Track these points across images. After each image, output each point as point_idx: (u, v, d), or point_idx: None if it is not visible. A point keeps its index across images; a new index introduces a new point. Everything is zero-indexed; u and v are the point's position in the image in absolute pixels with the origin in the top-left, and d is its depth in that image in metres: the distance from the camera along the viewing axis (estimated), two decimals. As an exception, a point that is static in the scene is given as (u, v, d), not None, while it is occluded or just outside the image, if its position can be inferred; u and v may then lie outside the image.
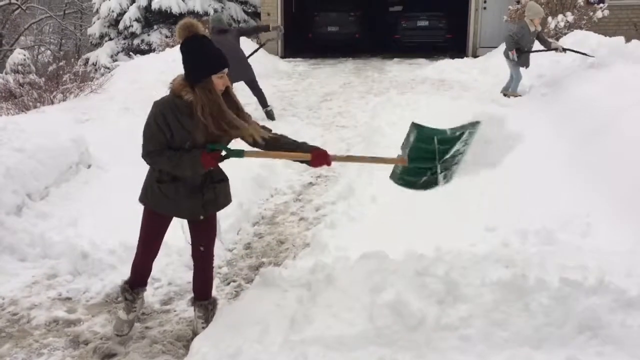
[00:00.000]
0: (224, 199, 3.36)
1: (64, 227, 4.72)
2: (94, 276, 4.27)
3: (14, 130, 5.44)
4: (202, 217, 3.27)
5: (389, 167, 6.01)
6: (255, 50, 8.91)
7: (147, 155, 3.09)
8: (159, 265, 4.29)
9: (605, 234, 4.01)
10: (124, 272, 3.80)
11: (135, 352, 3.45)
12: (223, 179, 3.33)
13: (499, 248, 3.80)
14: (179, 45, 3.03)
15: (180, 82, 2.99)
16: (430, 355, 2.77)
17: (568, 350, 2.70)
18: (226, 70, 2.98)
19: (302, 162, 3.22)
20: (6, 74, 10.18)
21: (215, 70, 2.93)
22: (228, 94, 3.05)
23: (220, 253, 4.58)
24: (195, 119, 2.94)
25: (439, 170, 3.31)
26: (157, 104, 3.04)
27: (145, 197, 3.27)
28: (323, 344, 2.85)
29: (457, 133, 3.25)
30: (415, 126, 3.26)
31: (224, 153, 3.06)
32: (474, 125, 3.24)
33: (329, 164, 3.15)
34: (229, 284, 4.28)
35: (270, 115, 8.25)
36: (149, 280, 4.28)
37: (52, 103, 8.93)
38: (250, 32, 9.17)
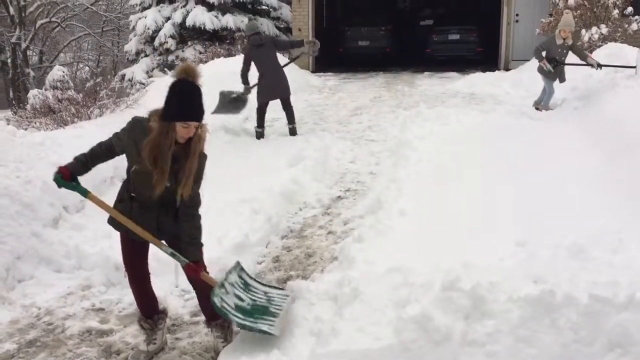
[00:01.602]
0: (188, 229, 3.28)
1: (99, 239, 4.85)
2: (127, 287, 4.32)
3: (51, 145, 5.62)
4: (163, 240, 3.29)
5: (418, 179, 6.02)
6: (287, 64, 9.00)
7: (110, 137, 3.30)
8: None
9: (638, 250, 3.93)
10: (154, 282, 3.86)
11: (166, 362, 3.52)
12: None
13: (528, 263, 3.75)
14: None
15: (156, 112, 3.09)
16: (456, 370, 2.76)
17: (597, 367, 2.65)
18: (193, 123, 3.03)
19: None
20: (45, 90, 10.49)
21: (180, 119, 3.01)
22: (189, 146, 3.10)
23: (249, 265, 4.64)
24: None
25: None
26: (133, 118, 3.22)
27: (110, 219, 3.37)
28: (348, 358, 2.86)
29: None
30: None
31: (73, 183, 3.33)
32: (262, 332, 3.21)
33: (199, 277, 3.28)
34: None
35: (293, 132, 8.34)
36: (179, 292, 4.40)
37: (89, 118, 9.16)
38: (285, 47, 9.25)
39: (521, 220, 4.81)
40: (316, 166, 6.78)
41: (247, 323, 3.20)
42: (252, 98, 8.28)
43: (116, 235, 4.92)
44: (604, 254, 3.97)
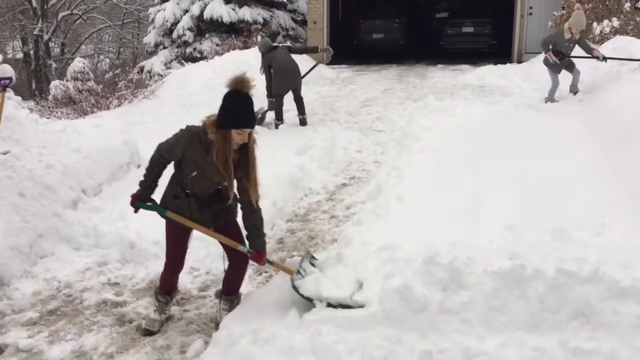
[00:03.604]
0: (232, 213, 3.74)
1: (115, 220, 5.18)
2: (140, 264, 4.71)
3: (72, 133, 5.98)
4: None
5: (418, 168, 6.25)
6: (308, 72, 9.40)
7: (157, 149, 3.58)
8: (198, 256, 4.72)
9: (619, 233, 4.15)
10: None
11: (173, 330, 3.85)
12: (229, 198, 3.64)
13: (511, 244, 4.00)
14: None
15: (211, 122, 3.39)
16: (433, 336, 3.04)
17: (561, 334, 2.91)
18: (248, 130, 3.35)
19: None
20: (67, 81, 10.89)
21: (235, 126, 3.32)
22: (247, 150, 3.43)
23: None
24: (209, 155, 3.36)
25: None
26: (188, 130, 3.48)
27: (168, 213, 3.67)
28: (336, 324, 3.16)
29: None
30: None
31: (149, 203, 3.67)
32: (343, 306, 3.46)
33: (263, 264, 3.75)
34: (261, 274, 4.63)
35: (303, 123, 8.67)
36: (189, 269, 4.72)
37: (108, 108, 9.56)
38: (299, 53, 9.55)
39: (512, 206, 5.04)
40: (323, 155, 7.06)
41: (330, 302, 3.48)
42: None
43: (131, 216, 5.29)
44: (586, 236, 4.19)
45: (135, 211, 3.74)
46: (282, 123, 8.59)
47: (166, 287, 3.90)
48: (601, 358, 2.77)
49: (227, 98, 3.35)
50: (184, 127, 3.53)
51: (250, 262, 3.80)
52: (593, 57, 8.64)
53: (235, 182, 3.51)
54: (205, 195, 3.55)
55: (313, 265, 3.92)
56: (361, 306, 3.30)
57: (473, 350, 2.92)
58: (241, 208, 3.66)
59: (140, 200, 3.66)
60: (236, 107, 3.33)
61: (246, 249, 3.64)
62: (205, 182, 3.47)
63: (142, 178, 3.69)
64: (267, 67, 8.53)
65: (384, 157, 7.30)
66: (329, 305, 3.41)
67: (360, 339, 3.06)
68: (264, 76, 8.59)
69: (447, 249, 3.49)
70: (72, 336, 3.80)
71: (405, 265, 3.37)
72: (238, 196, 3.62)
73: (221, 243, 3.76)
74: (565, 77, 9.01)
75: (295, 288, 3.55)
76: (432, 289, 3.18)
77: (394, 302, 3.16)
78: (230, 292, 3.86)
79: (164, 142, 3.56)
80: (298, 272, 3.74)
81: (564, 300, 3.01)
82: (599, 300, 2.98)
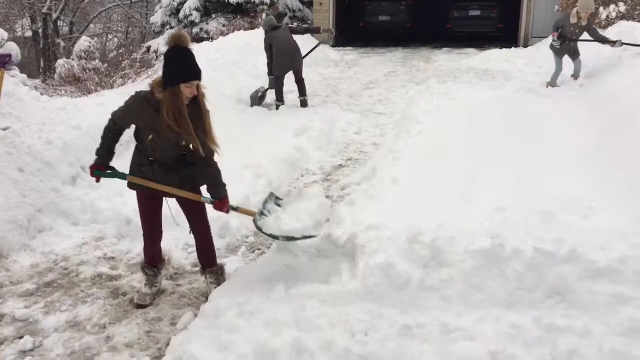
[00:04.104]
0: (201, 178, 3.74)
1: (112, 196, 5.28)
2: (135, 240, 4.80)
3: (71, 110, 6.07)
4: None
5: (415, 150, 6.30)
6: (309, 52, 9.43)
7: (110, 118, 3.66)
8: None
9: (606, 216, 4.20)
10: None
11: (165, 303, 3.96)
12: (198, 162, 3.68)
13: (496, 225, 4.05)
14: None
15: (157, 82, 3.44)
16: (413, 311, 3.12)
17: (536, 311, 2.99)
18: (196, 82, 3.39)
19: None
20: (72, 59, 10.96)
21: (183, 80, 3.35)
22: (196, 102, 3.46)
23: (248, 224, 5.04)
24: (160, 116, 3.39)
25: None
26: (136, 95, 3.53)
27: (130, 184, 3.76)
28: (319, 299, 3.25)
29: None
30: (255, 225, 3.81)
31: (109, 171, 3.80)
32: (306, 237, 3.71)
33: (227, 211, 3.77)
34: (254, 251, 4.73)
35: (304, 104, 8.73)
36: (183, 245, 4.81)
37: (112, 87, 9.61)
38: (301, 33, 9.53)
39: (505, 188, 5.08)
40: (321, 136, 7.12)
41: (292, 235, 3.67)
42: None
43: (128, 193, 5.38)
44: (573, 218, 4.24)
45: (97, 180, 3.84)
46: (282, 104, 8.64)
47: (150, 259, 3.99)
48: (574, 334, 2.85)
49: (169, 55, 3.39)
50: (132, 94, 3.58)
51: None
52: (608, 42, 8.54)
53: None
54: (169, 160, 3.59)
55: (278, 205, 4.02)
56: (314, 236, 3.59)
57: (451, 325, 3.00)
58: (199, 163, 3.65)
59: (99, 169, 3.76)
60: (180, 61, 3.37)
61: (209, 199, 3.72)
62: (163, 144, 3.50)
63: (98, 147, 3.77)
64: (268, 45, 8.56)
65: (382, 139, 7.35)
66: (289, 238, 3.61)
67: (342, 314, 3.14)
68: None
69: (431, 229, 3.56)
70: (67, 307, 3.92)
71: (389, 243, 3.45)
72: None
73: (184, 211, 3.85)
74: (569, 63, 8.98)
75: (258, 228, 3.71)
76: (413, 266, 3.26)
77: (376, 278, 3.24)
78: (208, 264, 3.96)
79: (116, 110, 3.63)
80: (262, 213, 3.85)
81: (540, 279, 3.08)
82: (574, 280, 3.05)
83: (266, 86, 8.84)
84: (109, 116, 3.69)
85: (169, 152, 3.57)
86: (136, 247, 4.73)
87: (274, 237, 3.72)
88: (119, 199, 5.21)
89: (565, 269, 3.07)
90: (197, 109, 3.48)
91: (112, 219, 5.00)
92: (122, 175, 3.76)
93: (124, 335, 3.59)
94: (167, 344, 3.36)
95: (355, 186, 5.77)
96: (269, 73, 8.72)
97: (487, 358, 2.78)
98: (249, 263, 4.47)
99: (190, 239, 4.75)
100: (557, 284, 3.05)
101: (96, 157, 3.80)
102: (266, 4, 17.40)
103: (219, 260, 4.10)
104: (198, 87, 3.45)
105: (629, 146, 5.51)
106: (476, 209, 4.74)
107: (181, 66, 3.37)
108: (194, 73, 3.40)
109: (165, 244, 4.45)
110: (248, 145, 6.74)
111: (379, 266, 3.27)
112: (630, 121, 5.91)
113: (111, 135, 3.72)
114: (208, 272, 3.96)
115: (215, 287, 3.87)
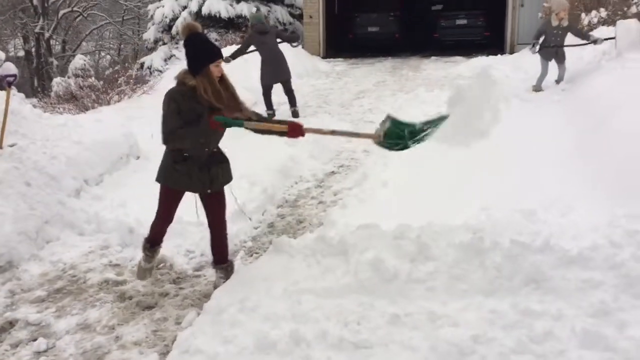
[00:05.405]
0: (227, 176, 4.05)
1: (115, 207, 5.53)
2: (139, 247, 4.98)
3: (73, 126, 6.32)
4: (209, 191, 3.95)
5: (404, 155, 6.54)
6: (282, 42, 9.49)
7: (165, 140, 3.78)
8: (194, 239, 5.07)
9: (581, 214, 4.47)
10: (162, 245, 4.51)
11: (170, 305, 4.19)
12: (225, 161, 4.02)
13: (480, 222, 4.32)
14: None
15: (184, 73, 3.67)
16: (401, 302, 3.37)
17: (514, 298, 3.25)
18: (221, 60, 3.64)
19: (281, 135, 3.84)
20: (68, 77, 11.22)
21: (210, 60, 3.59)
22: (223, 80, 3.70)
23: (246, 230, 5.32)
24: (200, 99, 3.60)
25: (409, 144, 3.82)
26: (168, 94, 3.71)
27: (163, 178, 3.98)
28: (314, 293, 3.50)
29: (425, 127, 3.76)
30: (389, 117, 3.81)
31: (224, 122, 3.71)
32: (442, 119, 3.76)
33: (303, 134, 3.75)
34: (252, 255, 4.97)
35: (295, 115, 9.00)
36: (185, 251, 5.06)
37: (109, 103, 9.89)
38: (285, 39, 9.76)
39: (489, 189, 5.37)
40: (314, 145, 7.38)
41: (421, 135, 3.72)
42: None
43: (130, 204, 5.62)
44: (552, 216, 4.52)
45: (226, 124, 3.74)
46: (273, 114, 8.89)
47: (155, 239, 4.21)
48: (549, 318, 3.10)
49: (190, 42, 3.62)
50: (162, 99, 3.74)
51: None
52: (590, 42, 8.85)
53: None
54: (203, 153, 3.80)
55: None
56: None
57: (436, 313, 3.24)
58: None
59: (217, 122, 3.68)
60: (203, 44, 3.62)
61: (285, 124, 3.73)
62: (208, 128, 3.64)
63: (182, 134, 3.70)
64: (247, 45, 8.74)
65: (373, 147, 7.53)
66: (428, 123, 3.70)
67: (336, 306, 3.39)
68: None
69: (417, 227, 3.82)
70: (77, 311, 4.15)
71: (379, 241, 3.70)
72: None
73: (204, 206, 4.05)
74: (554, 67, 9.29)
75: (393, 122, 3.74)
76: (401, 260, 3.52)
77: (367, 273, 3.50)
78: (220, 261, 4.21)
79: (164, 124, 3.70)
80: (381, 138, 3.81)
81: (517, 268, 3.34)
82: (549, 268, 3.31)
83: (260, 98, 9.05)
84: (165, 135, 3.74)
85: (216, 135, 3.81)
86: (139, 255, 4.94)
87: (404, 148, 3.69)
88: (122, 210, 5.46)
89: (540, 259, 3.34)
90: (226, 84, 3.71)
91: (115, 228, 5.23)
92: (240, 122, 3.70)
93: (132, 334, 3.82)
94: (173, 341, 3.59)
95: (347, 191, 6.04)
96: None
97: (470, 341, 3.02)
98: (248, 265, 4.71)
99: (192, 246, 5.04)
100: (533, 273, 3.31)
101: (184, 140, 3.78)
102: (254, 19, 17.69)
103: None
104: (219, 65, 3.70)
105: (605, 148, 5.79)
106: (463, 208, 5.02)
107: (206, 49, 3.62)
108: (218, 52, 3.65)
109: (168, 251, 4.76)
110: (243, 155, 6.98)
111: (370, 262, 3.53)
112: (606, 124, 6.21)
113: (179, 131, 3.69)
114: (219, 267, 4.21)
115: (224, 282, 4.11)
